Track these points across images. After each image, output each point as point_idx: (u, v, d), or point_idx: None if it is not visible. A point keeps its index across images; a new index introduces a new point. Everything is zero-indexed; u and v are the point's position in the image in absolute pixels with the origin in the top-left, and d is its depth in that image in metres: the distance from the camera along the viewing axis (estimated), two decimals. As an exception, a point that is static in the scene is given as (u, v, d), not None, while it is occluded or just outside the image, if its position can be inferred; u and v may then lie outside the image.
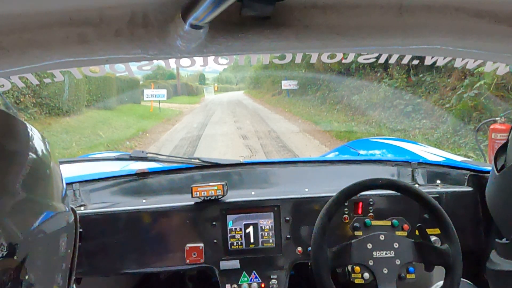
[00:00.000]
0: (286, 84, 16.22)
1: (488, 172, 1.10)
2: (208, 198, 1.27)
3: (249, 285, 1.27)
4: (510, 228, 0.92)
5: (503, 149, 0.96)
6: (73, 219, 0.67)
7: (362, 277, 1.14)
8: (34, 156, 0.54)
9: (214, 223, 1.28)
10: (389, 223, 1.21)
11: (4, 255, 0.43)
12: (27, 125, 0.55)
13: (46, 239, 0.55)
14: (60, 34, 0.58)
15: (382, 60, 1.29)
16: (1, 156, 0.47)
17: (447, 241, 1.08)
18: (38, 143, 0.56)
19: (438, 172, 1.50)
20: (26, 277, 0.48)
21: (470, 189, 1.36)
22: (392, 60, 1.34)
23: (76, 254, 0.69)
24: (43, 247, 0.54)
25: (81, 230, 0.72)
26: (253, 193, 1.38)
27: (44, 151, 0.58)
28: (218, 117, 15.06)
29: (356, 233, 1.22)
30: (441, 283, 1.10)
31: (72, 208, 0.68)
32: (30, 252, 0.49)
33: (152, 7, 0.58)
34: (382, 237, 1.11)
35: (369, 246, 1.10)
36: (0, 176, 0.46)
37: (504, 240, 0.96)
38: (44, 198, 0.56)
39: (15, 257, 0.45)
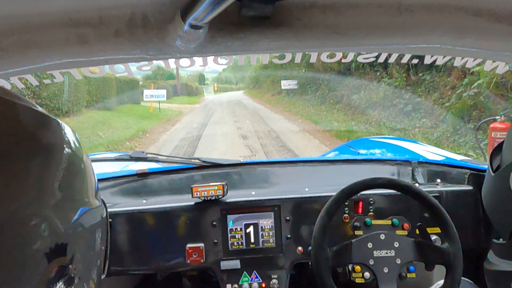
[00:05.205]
0: (285, 84, 16.19)
1: None
2: (208, 198, 1.27)
3: (250, 285, 1.27)
4: (506, 229, 0.91)
5: (499, 149, 0.95)
6: (105, 214, 0.66)
7: (363, 277, 1.14)
8: (68, 150, 0.50)
9: (214, 223, 1.28)
10: (389, 222, 1.21)
11: (47, 249, 0.42)
12: (56, 119, 0.51)
13: (85, 233, 0.54)
14: (60, 35, 0.58)
15: (381, 59, 1.28)
16: (38, 151, 0.43)
17: (448, 240, 1.08)
18: (70, 135, 0.52)
19: (438, 171, 1.50)
20: (68, 270, 0.46)
21: (470, 188, 1.36)
22: (391, 59, 1.34)
23: (108, 250, 0.68)
24: (82, 241, 0.52)
25: (110, 220, 0.71)
26: (253, 193, 1.38)
27: (77, 144, 0.53)
28: (218, 117, 15.04)
29: (357, 232, 1.22)
30: (441, 282, 1.10)
31: (102, 200, 0.66)
32: (70, 245, 0.47)
33: (151, 8, 0.58)
34: (382, 236, 1.11)
35: (370, 245, 1.10)
36: (39, 172, 0.42)
37: (500, 240, 0.96)
38: (80, 194, 0.53)
39: (57, 251, 0.44)
